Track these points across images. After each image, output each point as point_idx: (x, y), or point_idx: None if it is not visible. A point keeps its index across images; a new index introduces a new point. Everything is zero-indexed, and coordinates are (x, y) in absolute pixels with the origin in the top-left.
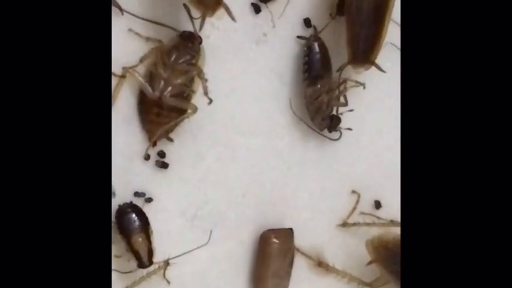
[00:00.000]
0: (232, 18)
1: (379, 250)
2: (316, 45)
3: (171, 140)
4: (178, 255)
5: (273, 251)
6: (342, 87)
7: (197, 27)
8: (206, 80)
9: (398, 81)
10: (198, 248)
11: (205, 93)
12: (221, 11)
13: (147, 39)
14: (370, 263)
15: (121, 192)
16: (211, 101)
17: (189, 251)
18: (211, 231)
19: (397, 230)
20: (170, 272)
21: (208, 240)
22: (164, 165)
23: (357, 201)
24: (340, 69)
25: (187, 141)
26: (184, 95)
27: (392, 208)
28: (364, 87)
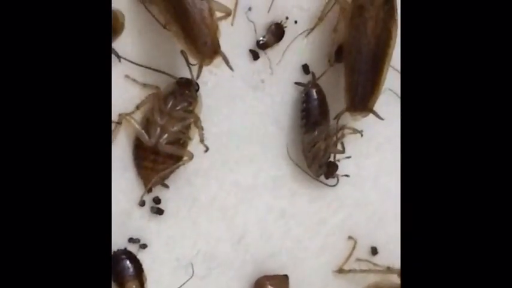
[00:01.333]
0: (230, 67)
1: None
2: (314, 91)
3: (166, 186)
4: None
5: None
6: (339, 134)
7: (194, 74)
8: (202, 128)
9: (396, 127)
10: (184, 284)
11: (202, 140)
12: (219, 59)
13: (144, 85)
14: None
15: (115, 238)
16: (207, 149)
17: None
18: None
19: (393, 278)
20: None
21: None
22: (159, 212)
23: (353, 248)
24: (338, 116)
25: (182, 187)
26: (180, 142)
27: (389, 254)
28: (362, 135)
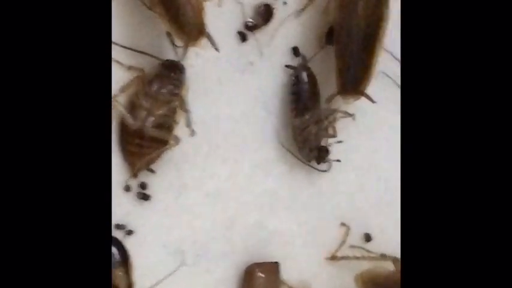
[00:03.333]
0: (216, 48)
1: (369, 285)
2: (304, 74)
3: (152, 171)
4: (156, 284)
5: (258, 285)
6: (331, 118)
7: (181, 56)
8: (189, 111)
9: (390, 111)
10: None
11: (188, 124)
12: (205, 41)
13: (129, 68)
14: None
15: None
16: (193, 132)
17: (164, 278)
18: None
19: (387, 264)
20: None
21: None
22: (145, 197)
23: (346, 234)
24: (329, 99)
25: (169, 172)
26: (166, 125)
27: (383, 241)
28: (354, 119)
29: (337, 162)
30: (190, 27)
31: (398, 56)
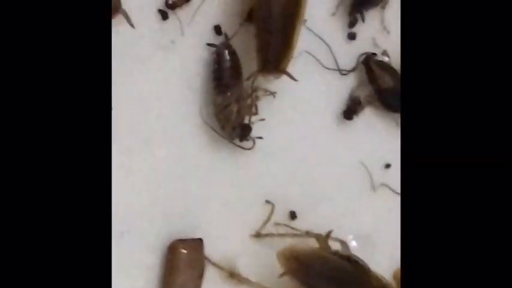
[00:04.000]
0: (131, 25)
1: (291, 261)
2: (226, 52)
3: None
4: None
5: (180, 262)
6: (253, 96)
7: None
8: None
9: (310, 89)
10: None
11: None
12: (120, 17)
13: None
14: (282, 274)
15: None
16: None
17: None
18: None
19: (311, 241)
20: None
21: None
22: None
23: (271, 212)
24: (251, 78)
25: None
26: None
27: (308, 219)
28: (274, 96)
29: (262, 140)
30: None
31: (323, 35)
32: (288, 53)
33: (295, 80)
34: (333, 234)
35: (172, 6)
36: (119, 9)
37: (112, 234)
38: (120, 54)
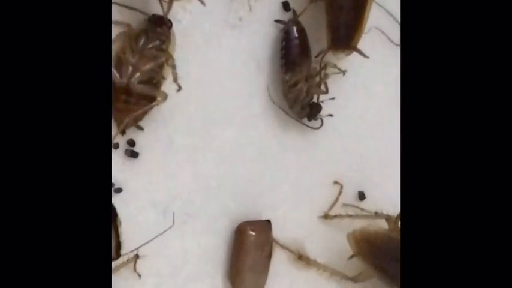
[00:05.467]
0: (202, 2)
1: (361, 243)
2: (294, 29)
3: (141, 128)
4: (145, 243)
5: (249, 244)
6: (322, 74)
7: (167, 11)
8: (175, 66)
9: (382, 66)
10: (163, 233)
11: (175, 79)
12: None
13: (115, 23)
14: (352, 256)
15: None
16: (180, 88)
17: (155, 237)
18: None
19: (381, 223)
20: (142, 265)
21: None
22: (134, 155)
23: (340, 192)
24: (320, 55)
25: (158, 129)
26: (153, 81)
27: (377, 199)
28: (344, 74)
29: (330, 120)
30: None
31: (393, 11)
32: (359, 30)
33: (366, 56)
34: None
35: None
36: None
37: (178, 217)
38: (188, 32)
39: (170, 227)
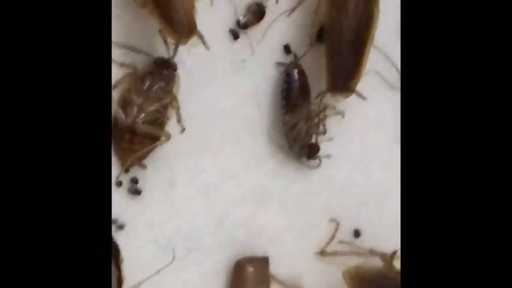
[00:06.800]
0: (206, 47)
1: (356, 281)
2: (295, 72)
3: (144, 166)
4: (146, 279)
5: (247, 279)
6: (321, 115)
7: (172, 53)
8: (179, 108)
9: (379, 108)
10: (163, 268)
11: (179, 120)
12: (196, 39)
13: (121, 64)
14: None
15: None
16: (184, 129)
17: (156, 272)
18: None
19: (376, 260)
20: None
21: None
22: (137, 192)
23: (336, 229)
24: (319, 97)
25: (160, 167)
26: (158, 121)
27: (372, 237)
28: (343, 116)
29: (327, 159)
30: (181, 26)
31: (391, 54)
32: (358, 73)
33: (364, 98)
34: (398, 254)
35: (244, 26)
36: (194, 31)
37: (179, 252)
38: (192, 73)
39: (170, 263)
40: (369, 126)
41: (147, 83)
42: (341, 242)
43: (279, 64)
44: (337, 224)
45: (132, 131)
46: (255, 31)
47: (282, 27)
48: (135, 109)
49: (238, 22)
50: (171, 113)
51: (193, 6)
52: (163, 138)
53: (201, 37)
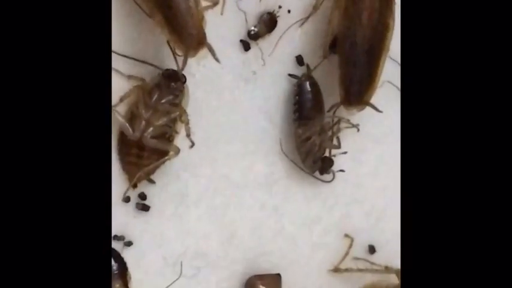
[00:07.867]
0: (216, 59)
1: None
2: (307, 84)
3: (152, 181)
4: None
5: None
6: (334, 129)
7: (181, 66)
8: (188, 122)
9: (394, 121)
10: (171, 285)
11: (188, 135)
12: (205, 51)
13: (129, 77)
14: None
15: None
16: (193, 144)
17: None
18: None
19: (392, 277)
20: None
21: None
22: (145, 208)
23: (350, 246)
24: (333, 109)
25: (169, 183)
26: (166, 136)
27: (388, 253)
28: (358, 130)
29: (341, 173)
30: (190, 38)
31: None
32: (372, 85)
33: (379, 111)
34: None
35: (255, 37)
36: (203, 43)
37: (188, 270)
38: (202, 85)
39: (177, 279)
40: (385, 138)
41: (155, 96)
42: (355, 258)
43: (291, 76)
44: (352, 240)
45: (139, 145)
46: (267, 42)
47: (294, 37)
48: (143, 123)
49: (249, 33)
50: (180, 127)
51: (202, 17)
52: (171, 153)
53: (211, 49)
